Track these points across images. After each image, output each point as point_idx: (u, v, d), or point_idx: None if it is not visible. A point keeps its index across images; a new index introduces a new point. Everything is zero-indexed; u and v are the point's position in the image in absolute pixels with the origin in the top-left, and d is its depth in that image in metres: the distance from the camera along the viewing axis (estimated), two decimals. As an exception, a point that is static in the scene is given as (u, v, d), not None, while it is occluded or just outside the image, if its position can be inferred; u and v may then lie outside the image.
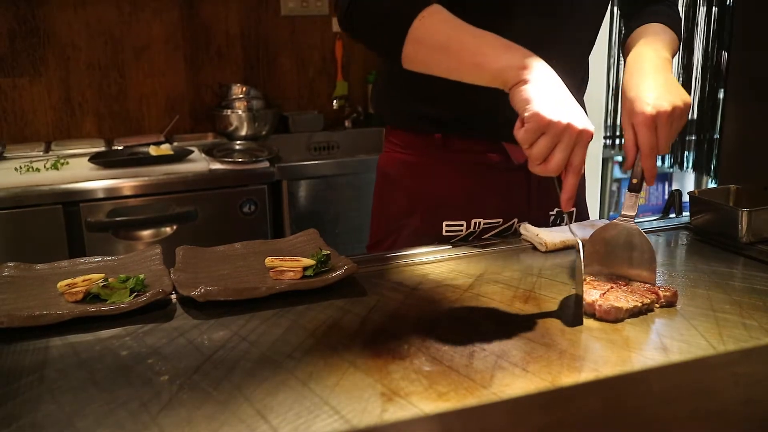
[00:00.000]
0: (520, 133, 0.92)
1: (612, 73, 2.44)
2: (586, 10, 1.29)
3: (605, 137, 2.49)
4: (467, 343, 0.86)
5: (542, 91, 0.92)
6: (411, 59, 1.06)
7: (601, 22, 1.36)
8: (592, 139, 0.94)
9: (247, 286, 1.01)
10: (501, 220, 1.34)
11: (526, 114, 0.91)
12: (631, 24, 1.29)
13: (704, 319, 0.93)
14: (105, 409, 0.72)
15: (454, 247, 1.27)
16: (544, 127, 0.90)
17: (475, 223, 1.33)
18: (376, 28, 1.09)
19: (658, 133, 1.00)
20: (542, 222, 1.36)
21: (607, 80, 2.44)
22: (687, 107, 1.04)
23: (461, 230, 1.34)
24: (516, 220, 1.35)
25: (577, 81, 1.33)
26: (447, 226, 1.33)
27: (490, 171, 1.32)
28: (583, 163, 0.94)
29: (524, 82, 0.94)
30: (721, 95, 2.10)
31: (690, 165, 2.27)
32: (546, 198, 1.38)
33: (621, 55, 1.39)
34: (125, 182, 2.24)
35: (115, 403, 0.73)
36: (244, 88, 2.75)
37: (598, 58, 2.46)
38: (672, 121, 1.01)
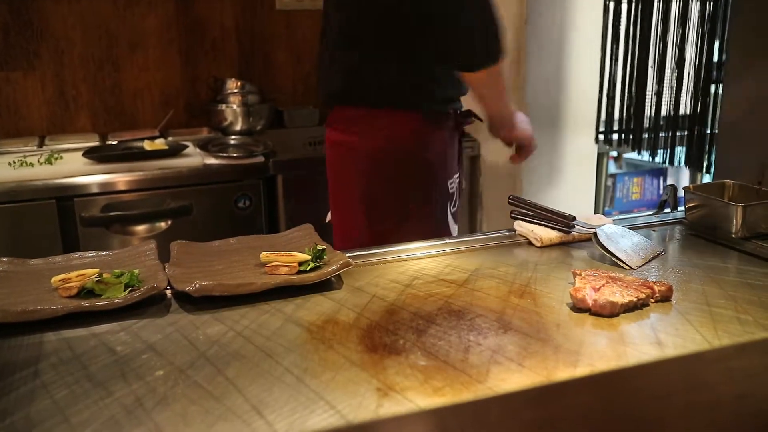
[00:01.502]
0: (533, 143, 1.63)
1: (607, 67, 2.43)
2: None
3: (601, 132, 2.47)
4: (463, 338, 0.86)
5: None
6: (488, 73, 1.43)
7: None
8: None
9: (243, 281, 1.01)
10: (458, 173, 1.60)
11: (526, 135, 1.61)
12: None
13: (699, 314, 0.93)
14: (100, 404, 0.72)
15: (449, 240, 1.27)
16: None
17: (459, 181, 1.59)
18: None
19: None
20: None
21: (601, 74, 2.43)
22: None
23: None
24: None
25: None
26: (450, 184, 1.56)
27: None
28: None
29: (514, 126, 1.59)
30: (714, 90, 2.11)
31: (681, 161, 2.27)
32: None
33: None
34: (120, 177, 2.22)
35: (110, 398, 0.73)
36: (239, 83, 2.73)
37: (590, 50, 2.44)
38: None
